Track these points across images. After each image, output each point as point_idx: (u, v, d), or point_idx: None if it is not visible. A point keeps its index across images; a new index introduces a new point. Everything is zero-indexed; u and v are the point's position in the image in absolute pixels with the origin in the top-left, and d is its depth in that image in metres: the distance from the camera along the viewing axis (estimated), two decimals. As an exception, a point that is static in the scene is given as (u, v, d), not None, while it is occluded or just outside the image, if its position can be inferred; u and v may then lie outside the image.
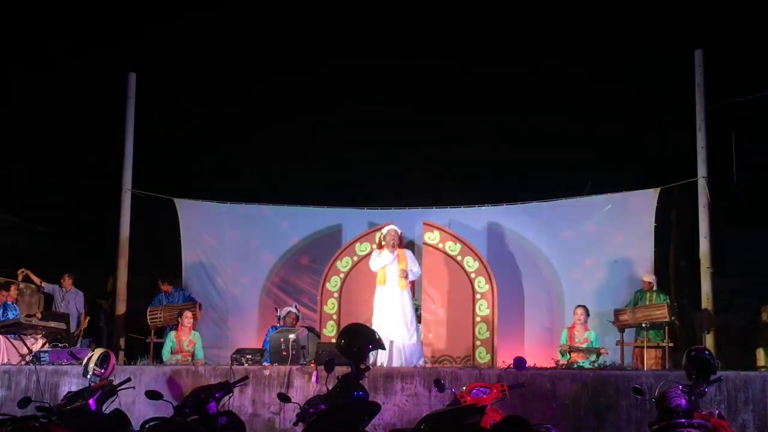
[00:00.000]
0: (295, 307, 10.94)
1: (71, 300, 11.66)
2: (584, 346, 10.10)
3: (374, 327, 9.88)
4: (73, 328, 11.39)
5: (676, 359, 9.61)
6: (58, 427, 6.55)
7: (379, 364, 9.50)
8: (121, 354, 10.94)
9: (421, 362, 9.87)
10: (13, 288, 11.26)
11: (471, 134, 14.57)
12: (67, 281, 11.66)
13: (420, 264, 10.69)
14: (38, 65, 14.11)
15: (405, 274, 10.15)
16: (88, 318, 11.94)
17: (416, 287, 11.09)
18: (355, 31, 14.12)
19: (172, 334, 10.42)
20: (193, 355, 10.34)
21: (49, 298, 12.08)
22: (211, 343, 11.69)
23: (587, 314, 10.28)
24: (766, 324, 10.78)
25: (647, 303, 10.47)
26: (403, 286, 10.13)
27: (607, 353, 10.05)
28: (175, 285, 11.70)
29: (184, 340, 10.37)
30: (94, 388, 7.14)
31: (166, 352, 10.27)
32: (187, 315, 10.47)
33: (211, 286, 12.12)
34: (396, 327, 9.96)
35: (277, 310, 11.08)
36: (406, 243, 10.86)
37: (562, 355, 10.08)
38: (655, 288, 10.73)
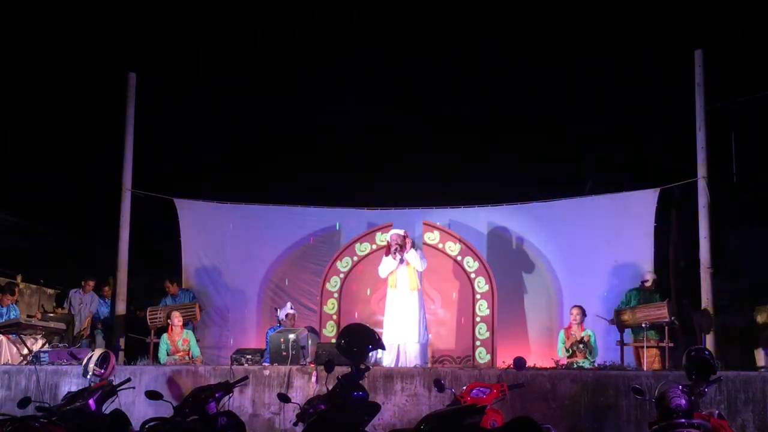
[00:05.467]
0: (290, 306, 10.98)
1: (88, 303, 11.74)
2: (582, 346, 10.10)
3: (384, 329, 9.95)
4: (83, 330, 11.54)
5: (676, 359, 9.60)
6: (58, 427, 6.56)
7: (385, 365, 9.51)
8: (121, 354, 10.94)
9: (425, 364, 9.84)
10: (14, 290, 11.31)
11: (471, 134, 14.56)
12: (89, 285, 11.77)
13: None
14: (38, 65, 14.09)
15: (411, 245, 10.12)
16: (88, 318, 11.96)
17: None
18: (353, 31, 14.12)
19: (165, 336, 10.44)
20: (189, 353, 10.35)
21: (60, 298, 12.13)
22: (211, 343, 11.71)
23: (584, 314, 10.28)
24: (761, 325, 10.77)
25: (645, 302, 10.47)
26: (414, 288, 10.13)
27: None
28: (181, 287, 11.73)
29: (178, 340, 10.39)
30: (94, 388, 7.15)
31: (162, 356, 10.28)
32: (176, 315, 10.49)
33: (211, 286, 12.12)
34: (406, 330, 9.97)
35: (277, 311, 11.10)
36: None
37: (567, 351, 10.06)
38: (653, 288, 10.72)
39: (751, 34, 12.84)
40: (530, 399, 8.08)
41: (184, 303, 11.30)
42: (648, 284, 10.72)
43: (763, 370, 9.49)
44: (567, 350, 10.10)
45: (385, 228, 11.18)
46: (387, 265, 10.23)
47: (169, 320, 10.52)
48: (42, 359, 9.29)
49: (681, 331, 11.20)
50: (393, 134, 14.34)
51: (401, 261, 10.15)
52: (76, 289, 11.84)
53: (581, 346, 10.06)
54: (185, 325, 10.70)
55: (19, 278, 13.05)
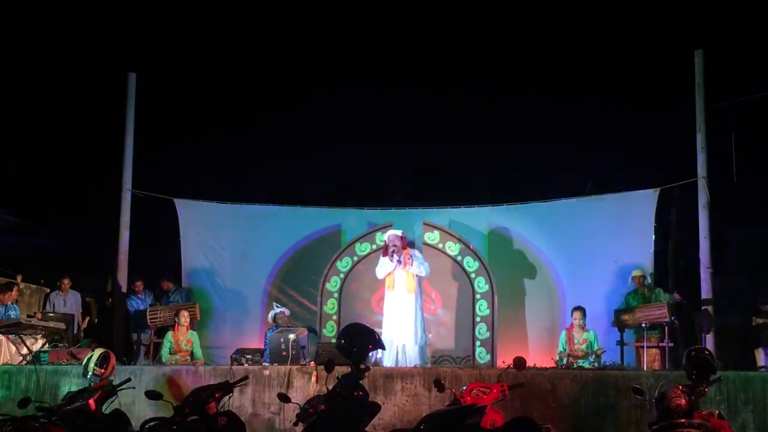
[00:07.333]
0: (275, 306, 10.97)
1: (70, 302, 11.70)
2: (583, 347, 10.10)
3: (383, 331, 9.95)
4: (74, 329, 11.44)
5: (676, 359, 9.60)
6: (58, 427, 6.56)
7: (385, 365, 9.50)
8: (122, 353, 10.92)
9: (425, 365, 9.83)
10: (14, 289, 11.28)
11: (471, 134, 14.56)
12: (66, 284, 11.69)
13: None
14: (38, 64, 14.08)
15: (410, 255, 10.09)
16: (87, 318, 11.93)
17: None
18: (352, 32, 14.11)
19: (170, 334, 10.43)
20: (191, 354, 10.35)
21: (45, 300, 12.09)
22: (211, 343, 11.71)
23: (584, 316, 10.28)
24: (761, 325, 10.78)
25: (649, 301, 10.47)
26: (411, 290, 10.12)
27: (604, 352, 10.04)
28: (176, 285, 11.71)
29: (182, 339, 10.38)
30: (94, 388, 7.14)
31: (165, 353, 10.28)
32: (184, 314, 10.48)
33: (210, 286, 12.13)
34: (404, 331, 9.96)
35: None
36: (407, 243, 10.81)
37: (561, 359, 10.07)
38: (648, 282, 10.68)
39: (751, 34, 12.84)
40: (530, 399, 8.08)
41: (185, 303, 11.29)
42: (636, 282, 10.69)
43: (763, 370, 9.50)
44: (561, 359, 10.08)
45: (385, 228, 11.18)
46: (384, 266, 10.21)
47: (176, 318, 10.50)
48: (42, 359, 9.28)
49: (681, 331, 11.21)
50: (394, 134, 14.34)
51: (399, 262, 10.13)
52: (56, 291, 11.79)
53: (583, 347, 10.06)
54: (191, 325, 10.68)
55: (19, 278, 13.04)
